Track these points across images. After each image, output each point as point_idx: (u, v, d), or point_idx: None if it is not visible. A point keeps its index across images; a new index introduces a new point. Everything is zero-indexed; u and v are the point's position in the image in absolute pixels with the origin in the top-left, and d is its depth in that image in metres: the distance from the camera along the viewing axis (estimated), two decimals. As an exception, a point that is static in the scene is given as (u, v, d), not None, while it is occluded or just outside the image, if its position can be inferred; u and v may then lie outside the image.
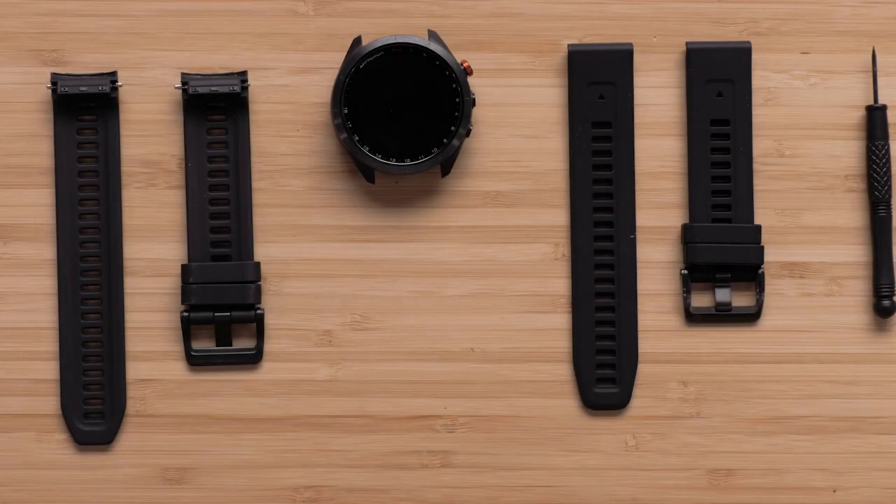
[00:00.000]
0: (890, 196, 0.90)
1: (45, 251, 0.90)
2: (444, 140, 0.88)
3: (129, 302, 0.90)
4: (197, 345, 0.90)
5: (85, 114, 0.90)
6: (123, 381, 0.90)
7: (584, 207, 0.90)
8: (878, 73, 0.90)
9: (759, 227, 0.90)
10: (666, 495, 0.91)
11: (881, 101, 0.90)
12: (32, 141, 0.90)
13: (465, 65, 0.87)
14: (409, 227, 0.90)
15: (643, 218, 0.91)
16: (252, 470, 0.90)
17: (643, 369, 0.91)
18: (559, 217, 0.91)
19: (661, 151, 0.91)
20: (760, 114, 0.90)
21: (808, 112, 0.90)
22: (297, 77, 0.90)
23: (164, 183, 0.90)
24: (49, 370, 0.90)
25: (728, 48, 0.90)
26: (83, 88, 0.88)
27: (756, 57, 0.90)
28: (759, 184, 0.90)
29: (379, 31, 0.89)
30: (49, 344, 0.90)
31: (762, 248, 0.90)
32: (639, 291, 0.91)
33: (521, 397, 0.91)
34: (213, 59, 0.90)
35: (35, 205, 0.90)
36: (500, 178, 0.90)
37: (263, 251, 0.90)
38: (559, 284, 0.91)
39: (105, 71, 0.89)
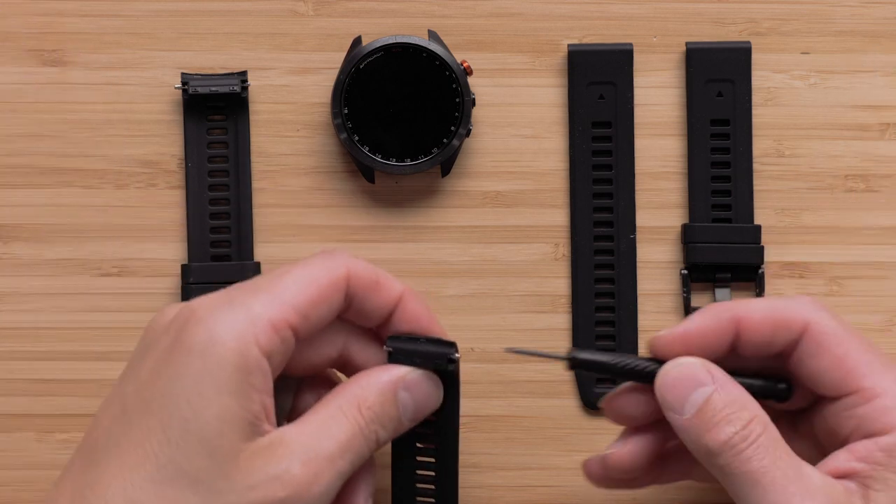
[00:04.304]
0: None
1: (45, 251, 0.90)
2: (444, 140, 0.88)
3: (130, 302, 0.90)
4: (197, 345, 0.90)
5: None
6: (123, 381, 0.90)
7: (584, 207, 0.90)
8: (878, 73, 0.90)
9: (758, 227, 0.90)
10: (666, 495, 0.91)
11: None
12: (33, 141, 0.90)
13: (465, 65, 0.87)
14: (409, 227, 0.90)
15: (643, 218, 0.91)
16: (252, 470, 0.90)
17: (643, 369, 0.91)
18: (559, 217, 0.90)
19: (661, 151, 0.91)
20: (760, 114, 0.90)
21: (808, 112, 0.90)
22: (297, 77, 0.90)
23: (164, 183, 0.90)
24: (49, 370, 0.90)
25: (728, 48, 0.90)
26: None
27: (756, 57, 0.90)
28: (759, 184, 0.90)
29: (379, 31, 0.89)
30: (49, 344, 0.90)
31: (762, 248, 0.90)
32: (639, 291, 0.91)
33: (521, 397, 0.90)
34: (213, 59, 0.90)
35: (35, 205, 0.90)
36: (500, 178, 0.90)
37: (263, 251, 0.90)
38: (559, 284, 0.91)
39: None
